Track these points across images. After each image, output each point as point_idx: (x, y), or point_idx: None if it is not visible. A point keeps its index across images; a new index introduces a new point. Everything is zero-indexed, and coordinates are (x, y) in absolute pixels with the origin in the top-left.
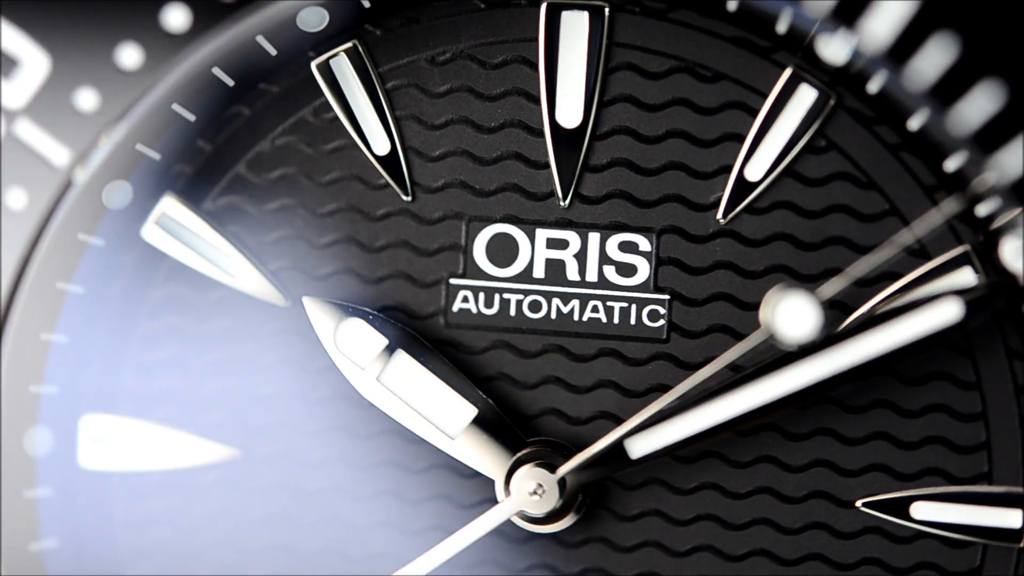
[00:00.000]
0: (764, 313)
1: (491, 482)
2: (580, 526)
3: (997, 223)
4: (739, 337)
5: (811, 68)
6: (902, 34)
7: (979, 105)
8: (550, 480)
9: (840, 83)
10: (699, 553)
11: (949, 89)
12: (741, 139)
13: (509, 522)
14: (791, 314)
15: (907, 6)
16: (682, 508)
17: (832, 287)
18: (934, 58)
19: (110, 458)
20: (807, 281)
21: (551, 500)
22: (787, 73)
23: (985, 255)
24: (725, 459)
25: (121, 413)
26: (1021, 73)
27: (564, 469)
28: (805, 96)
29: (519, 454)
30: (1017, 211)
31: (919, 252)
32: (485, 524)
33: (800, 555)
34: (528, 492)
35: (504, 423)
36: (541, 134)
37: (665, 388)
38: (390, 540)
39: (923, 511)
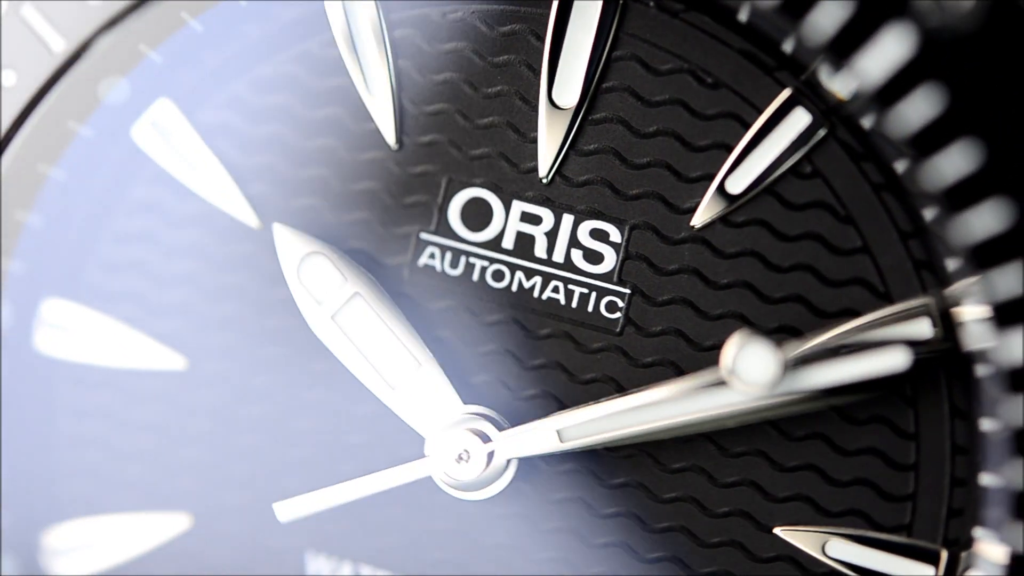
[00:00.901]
0: (725, 355)
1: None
2: (502, 500)
3: (959, 288)
4: (692, 344)
5: (810, 93)
6: (893, 78)
7: (954, 163)
8: (479, 449)
9: (836, 113)
10: (612, 548)
11: (928, 141)
12: (730, 149)
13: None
14: (751, 363)
15: (903, 52)
16: (604, 501)
17: (796, 347)
18: (919, 108)
19: (65, 346)
20: (766, 302)
21: (476, 468)
22: (785, 93)
23: (945, 311)
24: (656, 460)
25: (83, 303)
26: (1000, 138)
27: (497, 442)
28: (799, 119)
29: (454, 417)
30: (977, 277)
31: (882, 295)
32: (402, 475)
33: (710, 570)
34: (454, 456)
35: (446, 384)
36: (535, 108)
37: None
38: (312, 479)
39: (838, 550)
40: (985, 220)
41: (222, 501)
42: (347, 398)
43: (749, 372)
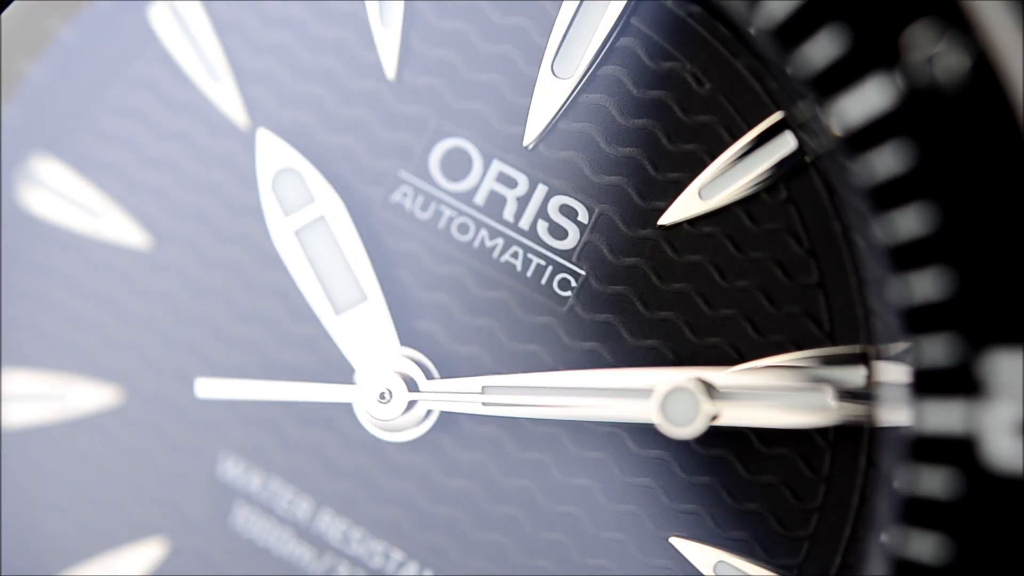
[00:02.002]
0: (656, 393)
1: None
2: (415, 447)
3: (895, 346)
4: (632, 336)
5: (801, 122)
6: (868, 126)
7: (908, 222)
8: (402, 393)
9: (824, 147)
10: (505, 519)
11: (889, 195)
12: (712, 157)
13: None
14: (679, 409)
15: (883, 102)
16: (511, 471)
17: (733, 410)
18: (886, 161)
19: (42, 203)
20: (713, 314)
21: (395, 411)
22: (777, 115)
23: (878, 364)
24: (571, 442)
25: (68, 164)
26: (957, 208)
27: (421, 390)
28: (785, 143)
29: (388, 356)
30: (907, 344)
31: (827, 334)
32: (324, 394)
33: (596, 561)
34: (378, 393)
35: (388, 322)
36: (534, 75)
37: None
38: (252, 366)
39: (725, 572)
40: (926, 286)
41: (151, 386)
42: (291, 314)
43: (676, 417)
